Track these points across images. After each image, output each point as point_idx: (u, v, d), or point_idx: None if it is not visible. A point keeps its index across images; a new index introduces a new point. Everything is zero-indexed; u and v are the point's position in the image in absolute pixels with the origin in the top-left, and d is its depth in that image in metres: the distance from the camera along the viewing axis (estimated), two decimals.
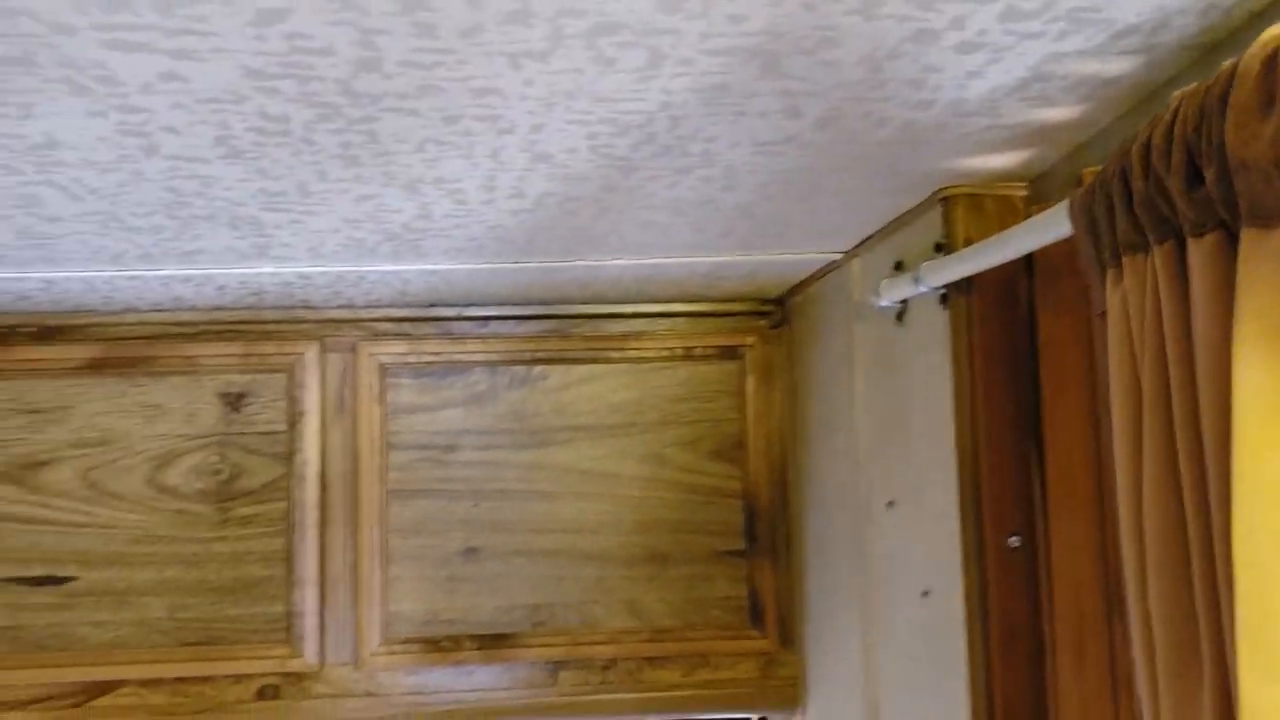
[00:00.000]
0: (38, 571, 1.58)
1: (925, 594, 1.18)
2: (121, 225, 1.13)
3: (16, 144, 0.86)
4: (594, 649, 1.62)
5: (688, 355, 1.68)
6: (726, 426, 1.69)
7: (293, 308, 1.60)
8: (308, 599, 1.59)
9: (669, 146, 0.93)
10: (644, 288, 1.55)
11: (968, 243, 1.05)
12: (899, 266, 1.21)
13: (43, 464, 1.60)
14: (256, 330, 1.63)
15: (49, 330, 1.61)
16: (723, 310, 1.67)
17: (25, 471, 1.60)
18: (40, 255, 1.24)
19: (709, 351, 1.69)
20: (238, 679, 1.57)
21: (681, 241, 1.29)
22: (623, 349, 1.67)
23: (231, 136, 0.87)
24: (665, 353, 1.68)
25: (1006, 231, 0.95)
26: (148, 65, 0.71)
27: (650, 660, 1.63)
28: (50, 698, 1.56)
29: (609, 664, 1.62)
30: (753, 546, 1.66)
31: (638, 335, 1.67)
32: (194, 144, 0.88)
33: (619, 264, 1.38)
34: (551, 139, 0.90)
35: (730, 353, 1.68)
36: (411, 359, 1.65)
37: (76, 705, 1.56)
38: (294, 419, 1.62)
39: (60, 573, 1.58)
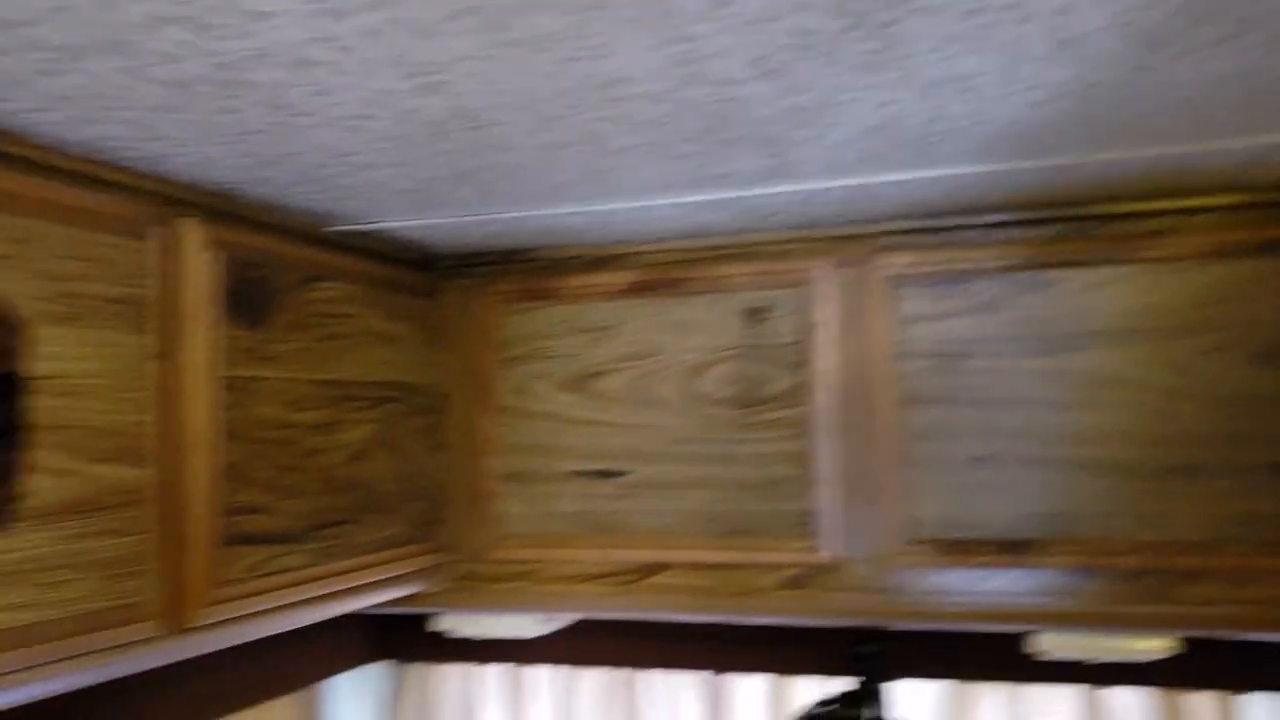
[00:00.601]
0: (599, 466, 1.84)
1: None
2: (667, 154, 1.27)
3: (588, 83, 1.02)
4: (1118, 560, 1.57)
5: (1221, 253, 1.55)
6: (1270, 330, 1.53)
7: (805, 225, 1.70)
8: (826, 498, 1.70)
9: (1205, 15, 0.88)
10: (1171, 180, 1.45)
11: None
12: None
13: (597, 374, 1.85)
14: (772, 249, 1.75)
15: (598, 260, 1.84)
16: (1266, 200, 1.52)
17: (584, 381, 1.86)
18: (597, 190, 1.44)
19: (1247, 248, 1.54)
20: (767, 568, 1.73)
21: (1218, 124, 1.20)
22: (1146, 249, 1.57)
23: (767, 56, 0.95)
24: (1194, 250, 1.55)
25: None
26: None
27: (1183, 575, 1.54)
28: (611, 574, 1.82)
29: (1135, 576, 1.56)
30: None
31: (1162, 233, 1.57)
32: (733, 67, 0.98)
33: (1144, 155, 1.31)
34: (1075, 21, 0.89)
35: (1274, 248, 1.53)
36: (920, 269, 1.68)
37: (632, 581, 1.80)
38: (809, 330, 1.73)
39: (616, 467, 1.83)
